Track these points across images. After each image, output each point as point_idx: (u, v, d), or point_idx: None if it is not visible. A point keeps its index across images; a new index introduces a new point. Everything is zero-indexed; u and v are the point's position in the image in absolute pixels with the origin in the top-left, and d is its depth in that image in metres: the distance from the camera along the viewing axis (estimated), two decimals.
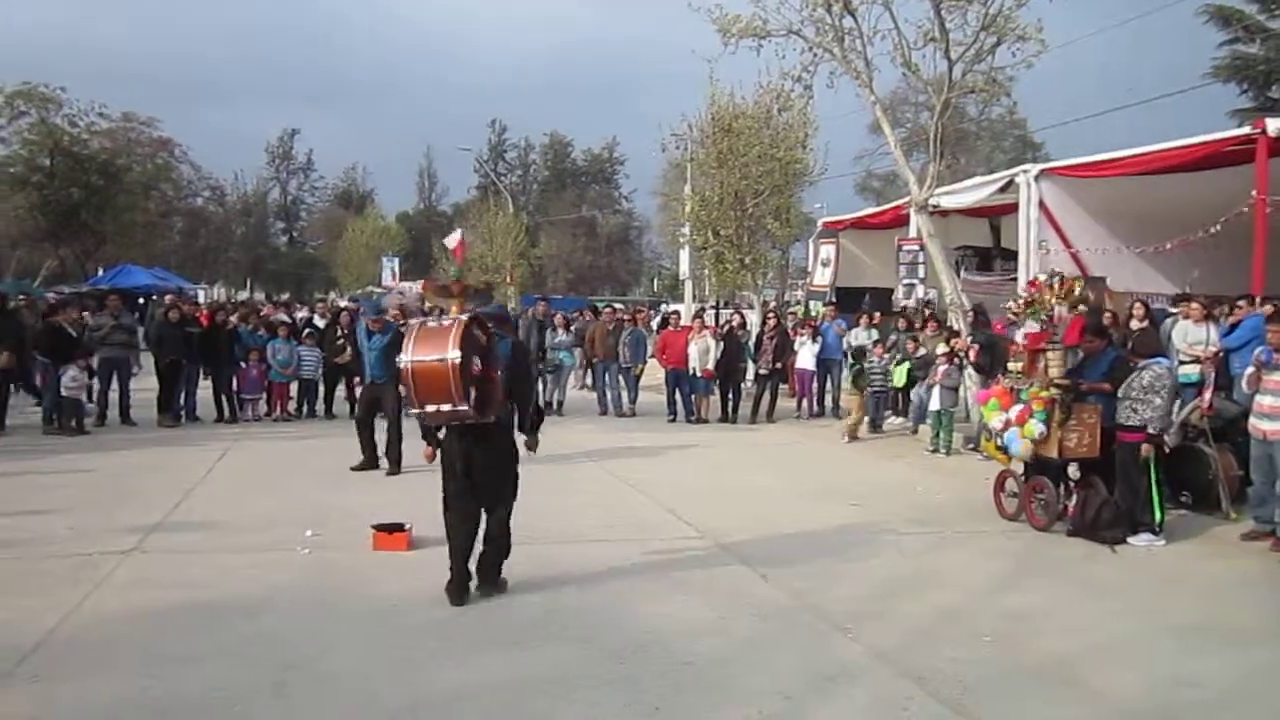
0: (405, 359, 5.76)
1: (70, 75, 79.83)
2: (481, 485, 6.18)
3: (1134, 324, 11.32)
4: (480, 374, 5.90)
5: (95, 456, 11.43)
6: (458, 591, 6.08)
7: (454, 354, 5.66)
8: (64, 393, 13.22)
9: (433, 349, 5.72)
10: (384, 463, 10.75)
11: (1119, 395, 8.16)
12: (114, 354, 14.16)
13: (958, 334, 13.20)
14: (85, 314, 15.28)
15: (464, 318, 5.89)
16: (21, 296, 19.37)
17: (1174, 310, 11.49)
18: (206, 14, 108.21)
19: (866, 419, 15.12)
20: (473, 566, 6.21)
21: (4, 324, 13.33)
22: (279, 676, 4.89)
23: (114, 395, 14.14)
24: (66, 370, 13.21)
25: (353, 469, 10.63)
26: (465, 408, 5.73)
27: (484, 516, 6.26)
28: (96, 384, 14.06)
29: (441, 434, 6.26)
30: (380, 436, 10.79)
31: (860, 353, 14.65)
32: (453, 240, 7.42)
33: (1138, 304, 11.69)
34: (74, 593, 6.12)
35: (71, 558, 6.96)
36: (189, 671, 4.92)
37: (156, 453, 11.86)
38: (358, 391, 14.84)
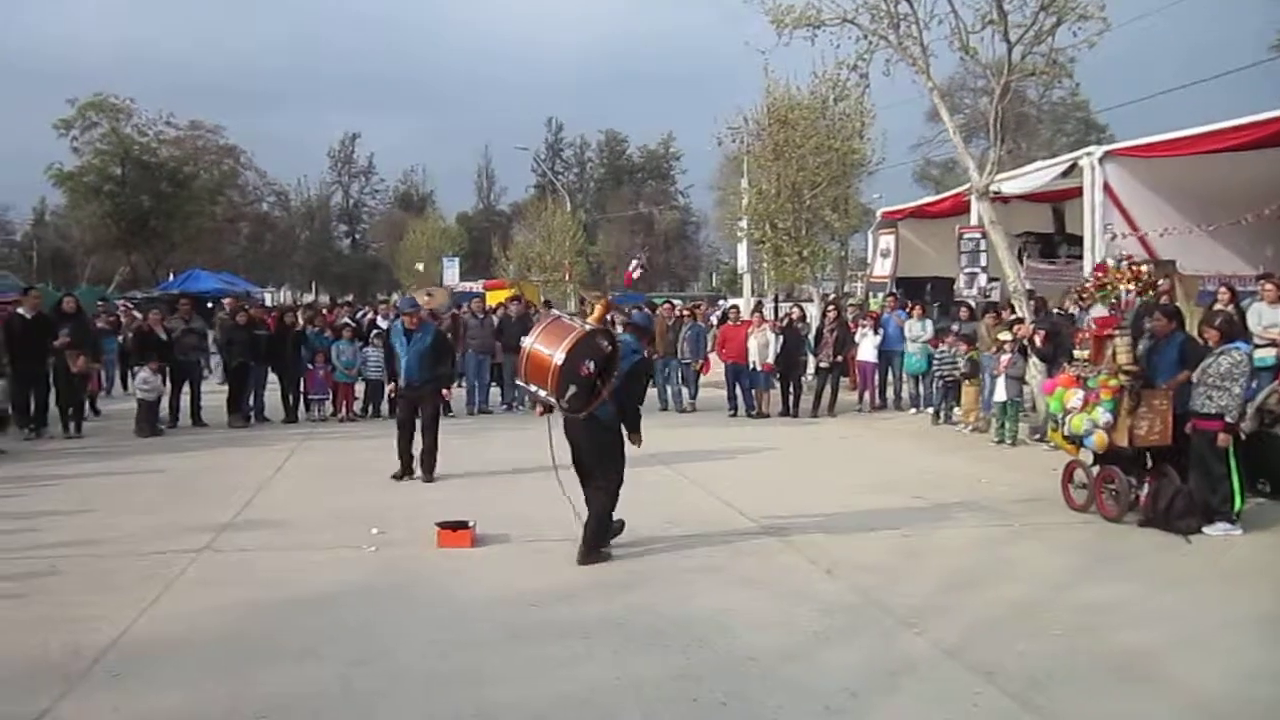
0: (528, 341, 6.73)
1: (139, 87, 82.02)
2: (583, 462, 7.17)
3: (1217, 307, 10.96)
4: (589, 376, 6.67)
5: (168, 457, 11.73)
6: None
7: (560, 357, 6.45)
8: (138, 395, 13.59)
9: (551, 344, 6.57)
10: (419, 470, 10.16)
11: (1195, 381, 7.93)
12: (185, 357, 14.55)
13: (1021, 321, 12.95)
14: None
15: (588, 328, 6.66)
16: (121, 303, 20.01)
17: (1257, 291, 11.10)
18: (267, 25, 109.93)
19: (930, 410, 14.95)
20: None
21: (80, 329, 13.73)
22: (347, 673, 4.95)
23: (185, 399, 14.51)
24: (139, 373, 13.58)
25: (392, 478, 10.11)
26: (553, 399, 6.59)
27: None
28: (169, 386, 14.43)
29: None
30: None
31: (969, 339, 14.18)
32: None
33: (1223, 288, 11.33)
34: (148, 591, 6.27)
35: (146, 556, 7.14)
36: (259, 669, 5.01)
37: (226, 453, 12.13)
38: None
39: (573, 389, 6.57)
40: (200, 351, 15.36)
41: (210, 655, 5.19)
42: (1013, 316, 13.50)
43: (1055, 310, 14.02)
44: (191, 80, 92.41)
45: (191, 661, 5.11)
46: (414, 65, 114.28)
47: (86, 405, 14.51)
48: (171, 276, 43.49)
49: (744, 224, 22.65)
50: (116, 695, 4.66)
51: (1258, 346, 9.89)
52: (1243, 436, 8.14)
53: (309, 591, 6.34)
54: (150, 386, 13.69)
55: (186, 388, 14.64)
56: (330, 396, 15.59)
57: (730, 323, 17.15)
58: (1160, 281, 9.46)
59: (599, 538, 7.08)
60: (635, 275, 33.62)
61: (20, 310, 13.02)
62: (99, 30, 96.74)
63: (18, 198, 66.85)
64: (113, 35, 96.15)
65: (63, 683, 4.78)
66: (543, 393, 6.61)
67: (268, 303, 35.04)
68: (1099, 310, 8.77)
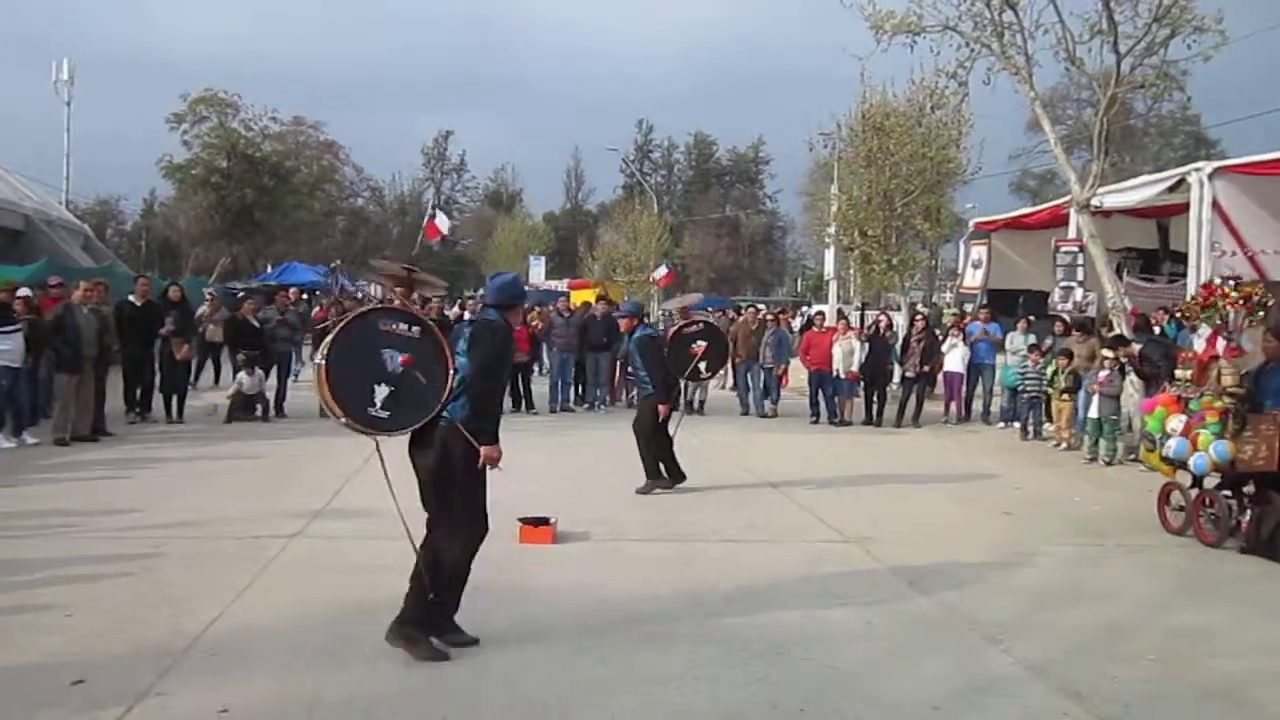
0: (318, 358, 4.97)
1: (245, 82, 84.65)
2: (423, 495, 5.32)
3: None
4: (406, 367, 4.96)
5: (265, 444, 12.10)
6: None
7: (320, 356, 4.88)
8: (245, 391, 14.06)
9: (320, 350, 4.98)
10: None
11: None
12: (278, 348, 14.99)
13: (1123, 339, 12.58)
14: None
15: (363, 308, 5.31)
16: (241, 293, 20.75)
17: None
18: (368, 29, 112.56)
19: (1018, 425, 14.63)
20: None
21: (184, 318, 14.24)
22: (426, 664, 5.03)
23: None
24: (240, 373, 14.07)
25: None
26: (356, 422, 4.91)
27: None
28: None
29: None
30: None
31: (1068, 354, 13.84)
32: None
33: None
34: (244, 574, 6.46)
35: (243, 540, 7.37)
36: (345, 657, 5.12)
37: (320, 442, 12.40)
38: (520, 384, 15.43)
39: (384, 390, 4.92)
40: (292, 343, 15.78)
41: (299, 641, 5.32)
42: (1113, 334, 13.13)
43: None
44: (293, 73, 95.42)
45: (283, 646, 5.24)
46: (508, 65, 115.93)
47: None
48: (270, 268, 44.78)
49: (832, 230, 22.46)
50: (214, 676, 4.81)
51: None
52: None
53: (392, 582, 6.44)
54: (252, 385, 14.13)
55: (273, 377, 15.03)
56: None
57: (815, 329, 17.02)
58: (1269, 300, 9.14)
59: (423, 609, 5.11)
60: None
61: (130, 297, 13.54)
62: (212, 26, 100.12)
63: (131, 188, 69.72)
64: (223, 30, 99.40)
65: (165, 660, 4.95)
66: (342, 419, 4.92)
67: (360, 297, 35.79)
68: (1205, 330, 8.51)
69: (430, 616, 5.14)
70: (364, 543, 7.42)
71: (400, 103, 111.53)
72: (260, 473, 10.25)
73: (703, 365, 10.56)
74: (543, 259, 55.32)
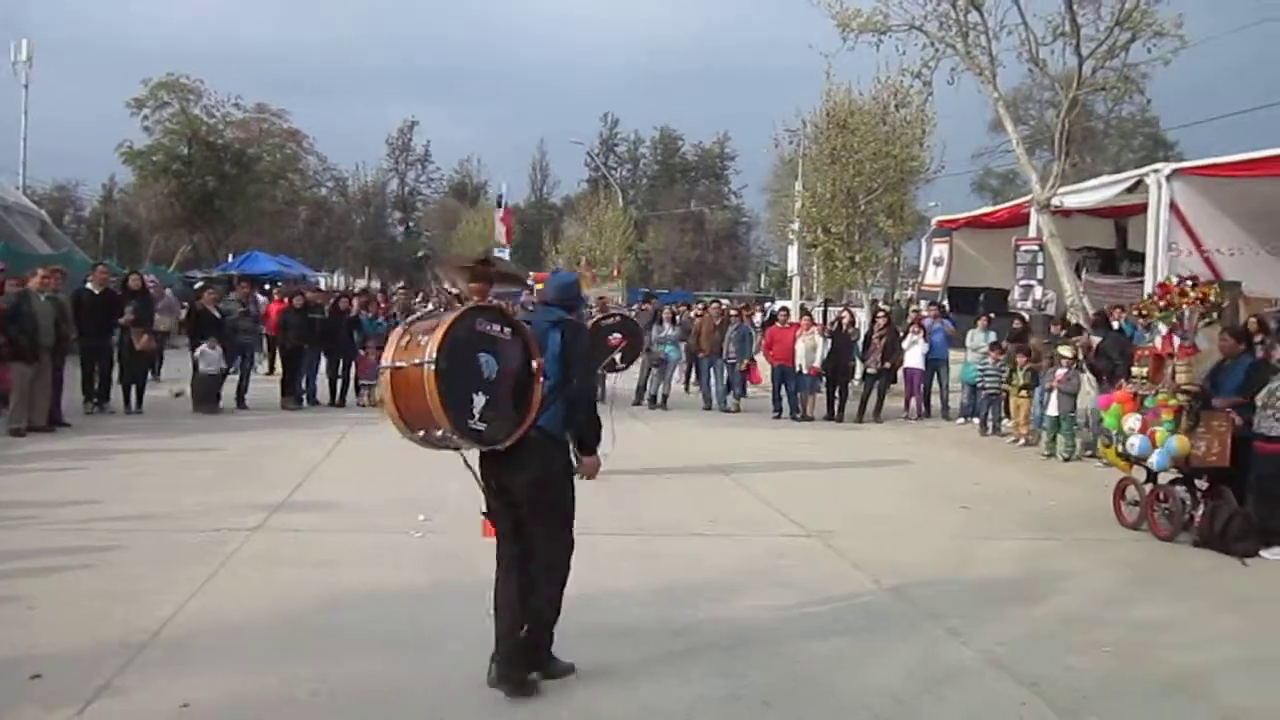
0: (385, 362, 4.34)
1: (210, 68, 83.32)
2: (521, 522, 4.72)
3: None
4: (509, 377, 4.42)
5: (224, 436, 11.96)
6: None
7: (431, 357, 4.16)
8: (201, 369, 13.80)
9: (415, 350, 4.25)
10: None
11: (1259, 404, 7.79)
12: (240, 339, 14.81)
13: (1079, 329, 12.76)
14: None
15: (467, 305, 4.49)
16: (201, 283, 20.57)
17: None
18: (336, 16, 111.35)
19: (975, 421, 14.81)
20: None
21: (144, 307, 14.02)
22: (395, 657, 5.03)
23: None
24: (200, 349, 13.81)
25: None
26: (454, 436, 4.25)
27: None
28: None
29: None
30: None
31: (1026, 352, 13.95)
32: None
33: None
34: (204, 567, 6.39)
35: (203, 533, 7.29)
36: (309, 650, 5.10)
37: (280, 434, 12.33)
38: None
39: (482, 399, 4.31)
40: (254, 335, 15.61)
41: (262, 634, 5.29)
42: (1062, 332, 13.33)
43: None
44: (257, 60, 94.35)
45: (245, 639, 5.21)
46: (473, 56, 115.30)
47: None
48: (231, 257, 44.25)
49: (796, 226, 22.58)
50: (174, 670, 4.77)
51: None
52: None
53: (357, 574, 6.44)
54: (210, 360, 13.86)
55: (238, 367, 14.87)
56: (375, 381, 15.76)
57: (778, 325, 17.11)
58: (1224, 301, 9.33)
59: (539, 651, 4.70)
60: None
61: (88, 285, 13.31)
62: (179, 10, 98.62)
63: (90, 174, 68.36)
64: (190, 16, 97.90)
65: (125, 654, 4.90)
66: (439, 432, 4.23)
67: (321, 286, 35.47)
68: (1161, 329, 8.67)
69: (529, 654, 4.67)
70: (327, 536, 7.39)
71: (366, 93, 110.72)
72: (221, 465, 10.14)
73: (618, 356, 10.89)
74: (506, 251, 55.01)
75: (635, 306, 21.89)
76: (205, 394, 13.80)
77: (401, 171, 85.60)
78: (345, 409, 14.97)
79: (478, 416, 4.28)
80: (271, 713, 4.39)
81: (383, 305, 18.17)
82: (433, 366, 4.12)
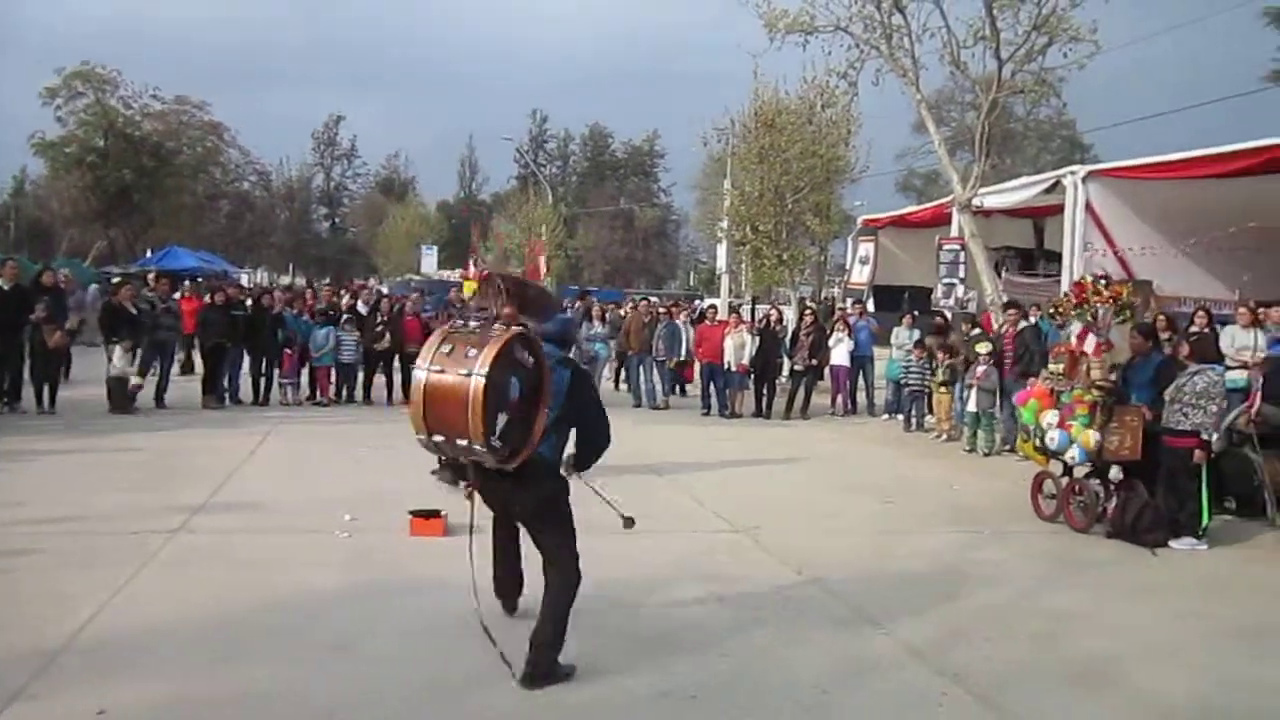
0: (420, 373, 4.50)
1: (131, 59, 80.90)
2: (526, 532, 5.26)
3: (1193, 329, 11.18)
4: (517, 408, 4.57)
5: (142, 436, 11.65)
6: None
7: (482, 373, 4.32)
8: (113, 372, 13.45)
9: (460, 362, 4.40)
10: None
11: (1168, 399, 8.08)
12: (159, 336, 14.43)
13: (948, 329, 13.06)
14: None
15: (512, 330, 4.56)
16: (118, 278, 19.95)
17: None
18: (260, 8, 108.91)
19: (900, 417, 15.08)
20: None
21: (56, 304, 13.59)
22: (324, 658, 4.99)
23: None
24: (114, 351, 13.43)
25: None
26: (480, 445, 4.40)
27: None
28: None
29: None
30: None
31: (947, 349, 14.19)
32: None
33: (1200, 311, 11.53)
34: (124, 571, 6.24)
35: (122, 536, 7.10)
36: (234, 653, 5.02)
37: (202, 434, 12.07)
38: (396, 377, 15.09)
39: (504, 419, 4.48)
40: (174, 332, 15.22)
41: (183, 639, 5.18)
42: (976, 332, 13.62)
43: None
44: (179, 51, 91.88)
45: (165, 644, 5.11)
46: (400, 50, 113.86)
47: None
48: (149, 253, 43.07)
49: (725, 224, 22.75)
50: (91, 676, 4.66)
51: (1229, 369, 10.09)
52: (1211, 455, 8.29)
53: (282, 575, 6.34)
54: (120, 369, 13.50)
55: (156, 366, 14.50)
56: (297, 380, 15.54)
57: (707, 322, 17.22)
58: (1137, 300, 9.64)
59: (554, 651, 4.83)
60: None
61: None
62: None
63: None
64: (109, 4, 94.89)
65: (39, 660, 4.77)
66: (463, 441, 4.42)
67: (244, 283, 34.72)
68: (1076, 327, 8.93)
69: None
70: (250, 537, 7.26)
71: (291, 86, 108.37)
72: (140, 466, 9.88)
73: None
74: (435, 248, 54.55)
75: (568, 303, 21.84)
76: (121, 394, 13.42)
77: (327, 166, 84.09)
78: (268, 408, 14.70)
79: (498, 433, 4.45)
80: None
81: (309, 303, 17.85)
82: (483, 380, 4.30)
